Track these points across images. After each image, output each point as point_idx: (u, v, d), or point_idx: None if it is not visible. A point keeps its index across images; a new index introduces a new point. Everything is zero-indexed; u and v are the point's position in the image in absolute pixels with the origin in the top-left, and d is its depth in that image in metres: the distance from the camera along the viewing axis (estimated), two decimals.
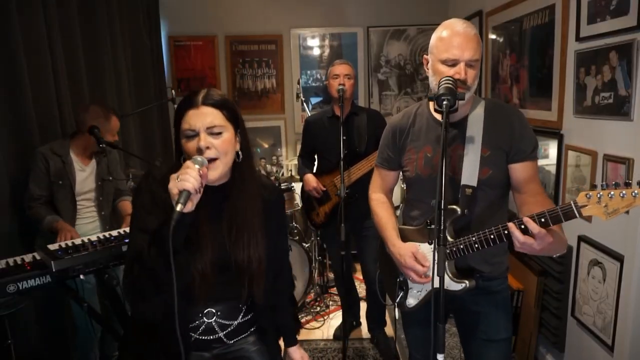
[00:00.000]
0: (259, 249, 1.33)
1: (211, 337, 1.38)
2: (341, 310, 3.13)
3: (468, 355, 1.65)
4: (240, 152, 1.30)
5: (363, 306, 3.14)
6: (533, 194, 1.47)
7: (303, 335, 3.13)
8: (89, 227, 2.43)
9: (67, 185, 2.28)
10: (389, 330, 3.03)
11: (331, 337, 3.08)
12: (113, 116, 2.39)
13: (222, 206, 1.32)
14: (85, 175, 2.39)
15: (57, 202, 2.27)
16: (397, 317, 1.66)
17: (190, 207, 1.11)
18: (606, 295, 2.01)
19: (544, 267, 2.43)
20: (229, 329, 1.40)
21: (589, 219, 2.11)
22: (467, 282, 1.46)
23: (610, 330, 1.98)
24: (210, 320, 1.36)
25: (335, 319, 3.32)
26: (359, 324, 3.19)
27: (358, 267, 3.30)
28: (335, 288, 3.66)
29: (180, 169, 1.13)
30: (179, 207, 1.08)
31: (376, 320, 2.95)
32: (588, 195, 1.19)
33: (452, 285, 1.46)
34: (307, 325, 3.24)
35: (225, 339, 1.40)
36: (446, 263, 1.45)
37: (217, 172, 1.23)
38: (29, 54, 2.29)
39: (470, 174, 1.45)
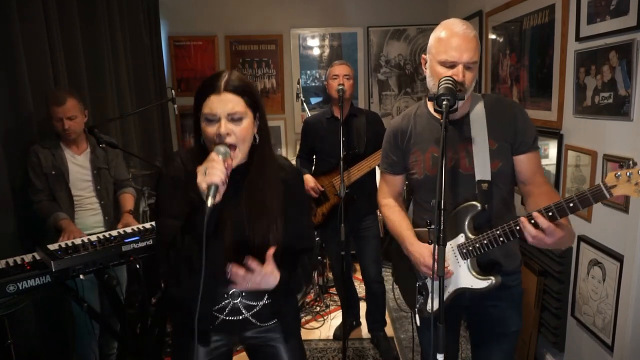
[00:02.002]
0: (278, 233, 1.33)
1: (238, 317, 1.39)
2: (341, 310, 3.13)
3: (479, 348, 1.65)
4: (257, 135, 1.32)
5: (363, 306, 3.14)
6: (539, 184, 1.50)
7: (303, 335, 3.11)
8: (91, 219, 2.44)
9: (59, 175, 2.31)
10: (389, 330, 3.03)
11: (331, 337, 3.08)
12: (66, 98, 2.27)
13: (240, 186, 1.33)
14: (78, 164, 2.41)
15: (55, 194, 2.31)
16: (418, 323, 1.61)
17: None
18: (606, 295, 2.01)
19: (544, 267, 2.43)
20: (255, 310, 1.41)
21: (588, 216, 2.12)
22: (492, 278, 1.44)
23: (610, 330, 1.98)
24: (235, 301, 1.38)
25: (335, 319, 3.32)
26: (359, 324, 3.19)
27: (358, 267, 3.30)
28: (335, 288, 3.67)
29: (206, 162, 1.16)
30: (209, 202, 1.11)
31: (377, 320, 2.95)
32: (617, 175, 1.19)
33: (477, 283, 1.45)
34: (307, 325, 3.23)
35: (252, 319, 1.41)
36: (469, 261, 1.46)
37: (236, 161, 1.27)
38: (29, 54, 2.29)
39: (483, 169, 1.47)
